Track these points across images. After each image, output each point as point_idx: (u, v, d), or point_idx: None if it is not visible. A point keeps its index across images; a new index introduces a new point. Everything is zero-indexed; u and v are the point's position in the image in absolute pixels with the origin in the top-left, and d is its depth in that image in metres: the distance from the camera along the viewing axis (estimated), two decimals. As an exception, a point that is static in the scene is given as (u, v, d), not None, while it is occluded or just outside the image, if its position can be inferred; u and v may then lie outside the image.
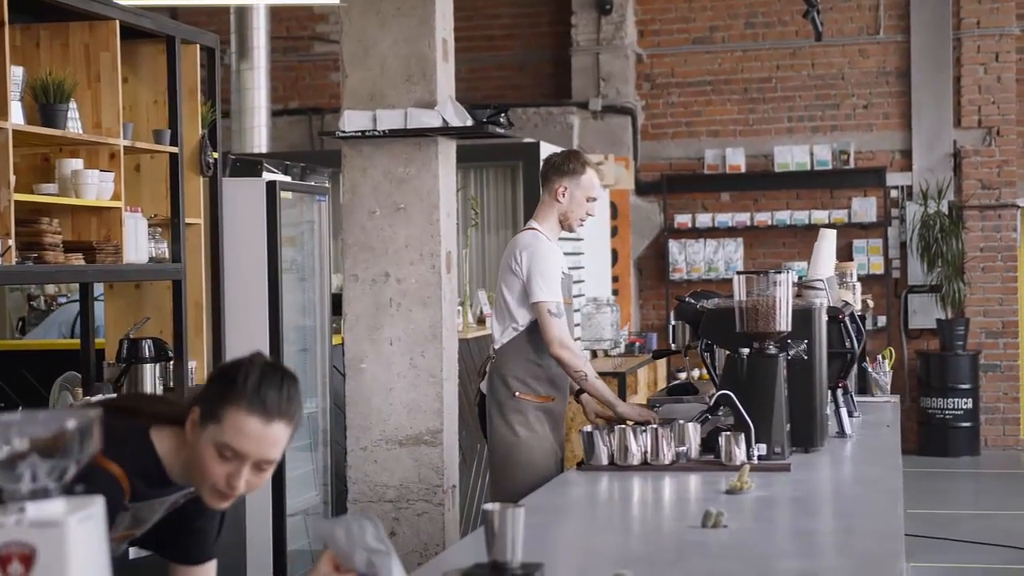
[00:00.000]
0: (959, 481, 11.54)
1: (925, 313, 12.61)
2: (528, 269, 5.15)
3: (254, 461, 2.56)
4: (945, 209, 12.38)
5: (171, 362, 5.57)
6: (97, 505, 1.81)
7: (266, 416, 2.55)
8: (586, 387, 5.18)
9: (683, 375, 12.29)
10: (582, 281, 10.49)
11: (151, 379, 5.41)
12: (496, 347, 5.32)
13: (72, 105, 4.94)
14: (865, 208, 12.66)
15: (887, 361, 6.48)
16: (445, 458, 5.86)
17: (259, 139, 10.70)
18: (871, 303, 9.62)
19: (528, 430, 5.20)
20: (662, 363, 11.41)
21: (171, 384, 5.59)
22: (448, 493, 5.89)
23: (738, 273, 4.51)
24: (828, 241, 5.61)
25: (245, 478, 2.57)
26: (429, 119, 5.86)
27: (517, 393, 5.22)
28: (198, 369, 5.86)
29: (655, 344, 11.52)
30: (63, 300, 8.93)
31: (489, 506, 2.78)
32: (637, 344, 11.18)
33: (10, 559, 1.73)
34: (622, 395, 9.14)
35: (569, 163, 5.34)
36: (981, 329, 12.59)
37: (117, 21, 5.20)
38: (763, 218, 12.80)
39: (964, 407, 12.26)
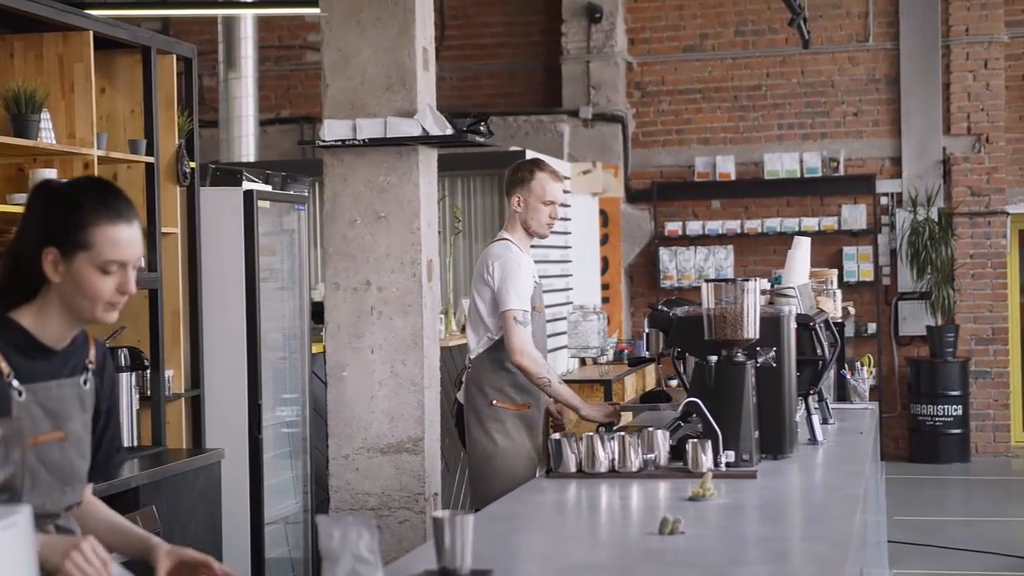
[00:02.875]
0: (949, 488, 11.55)
1: (915, 320, 12.62)
2: (500, 279, 5.26)
3: (133, 262, 2.73)
4: (935, 216, 12.39)
5: (147, 371, 5.58)
6: (23, 514, 1.84)
7: (127, 221, 2.72)
8: (550, 393, 5.25)
9: (674, 383, 12.29)
10: (570, 289, 10.51)
11: (127, 388, 5.42)
12: (471, 356, 5.42)
13: (45, 115, 4.96)
14: (855, 215, 12.67)
15: (865, 368, 6.49)
16: (427, 466, 5.88)
17: (247, 148, 10.72)
18: (852, 310, 9.63)
19: (506, 438, 5.26)
20: (651, 370, 11.43)
21: (148, 393, 5.61)
22: (430, 501, 5.90)
23: (706, 281, 4.53)
24: (802, 249, 5.63)
25: (131, 280, 2.73)
26: (409, 128, 5.88)
27: (494, 401, 5.31)
28: (175, 378, 5.87)
29: (643, 352, 11.52)
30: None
31: (438, 514, 2.81)
32: (626, 352, 11.19)
33: (-69, 567, 1.74)
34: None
35: (518, 172, 5.48)
36: (971, 336, 12.60)
37: (91, 32, 5.22)
38: (753, 225, 12.82)
39: (954, 414, 12.26)
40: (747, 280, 4.48)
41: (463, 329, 8.15)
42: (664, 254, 12.98)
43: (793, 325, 4.74)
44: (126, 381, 5.42)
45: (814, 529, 3.44)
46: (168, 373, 5.76)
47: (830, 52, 12.89)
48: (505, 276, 5.24)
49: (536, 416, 5.38)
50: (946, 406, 12.25)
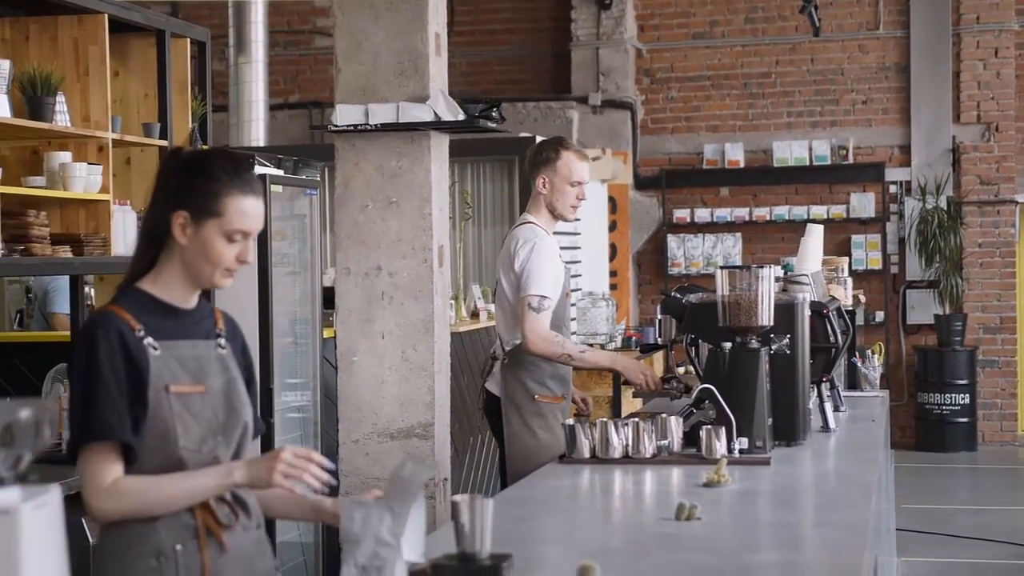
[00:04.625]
0: (955, 476, 11.56)
1: (923, 308, 12.62)
2: (524, 263, 5.12)
3: (255, 233, 2.86)
4: (943, 205, 12.39)
5: (160, 354, 5.58)
6: (52, 494, 1.84)
7: (255, 194, 2.86)
8: (577, 365, 5.14)
9: (681, 369, 12.29)
10: (579, 275, 10.51)
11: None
12: (507, 348, 5.24)
13: (60, 98, 4.96)
14: (864, 203, 12.67)
15: (876, 356, 6.49)
16: (436, 451, 5.88)
17: (256, 133, 10.71)
18: (863, 298, 9.64)
19: (548, 432, 5.15)
20: (659, 357, 11.43)
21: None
22: (439, 486, 5.91)
23: (721, 267, 4.52)
24: (815, 237, 5.63)
25: (251, 250, 2.87)
26: (421, 113, 5.88)
27: (537, 396, 5.17)
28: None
29: (651, 338, 11.53)
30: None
31: (457, 498, 2.81)
32: (634, 339, 11.19)
33: (-37, 546, 1.75)
34: (616, 389, 9.12)
35: (542, 152, 5.31)
36: (979, 325, 12.60)
37: (106, 15, 5.22)
38: (762, 213, 12.82)
39: (961, 402, 12.27)
40: (762, 267, 4.47)
41: (473, 315, 8.16)
42: (672, 241, 12.98)
43: (807, 312, 4.74)
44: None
45: (830, 516, 3.44)
46: (180, 356, 5.76)
47: (840, 40, 12.87)
48: (529, 261, 5.10)
49: (567, 406, 5.31)
50: (953, 395, 12.26)
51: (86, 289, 6.21)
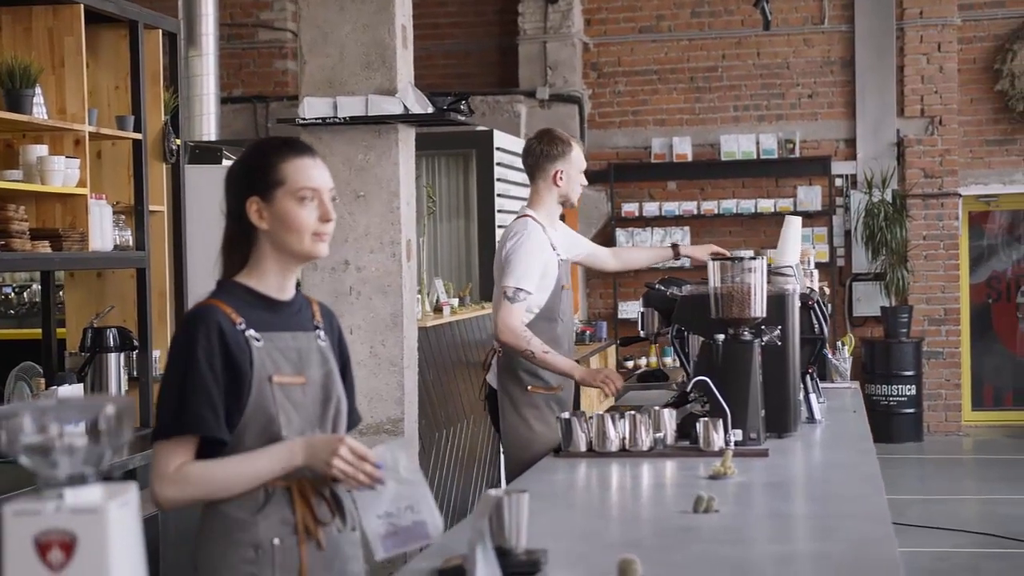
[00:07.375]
0: (903, 467, 11.67)
1: (869, 301, 12.74)
2: (508, 254, 5.10)
3: (326, 191, 2.88)
4: (889, 198, 12.51)
5: (135, 351, 5.50)
6: (132, 491, 1.79)
7: (307, 154, 2.91)
8: (538, 365, 5.12)
9: (630, 364, 12.33)
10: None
11: (115, 368, 5.34)
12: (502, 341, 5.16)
13: (38, 90, 4.86)
14: (810, 197, 12.76)
15: (847, 348, 6.53)
16: (406, 446, 5.84)
17: (208, 127, 10.57)
18: (827, 289, 9.71)
19: (543, 424, 5.12)
20: (612, 351, 11.47)
21: (135, 374, 5.53)
22: (410, 482, 5.87)
23: (713, 259, 4.52)
24: (794, 228, 5.65)
25: (330, 208, 2.87)
26: (390, 106, 5.84)
27: (529, 387, 5.17)
28: (162, 358, 5.79)
29: (605, 333, 11.57)
30: (8, 289, 8.82)
31: (494, 492, 2.78)
32: (587, 333, 11.22)
33: (50, 546, 1.70)
34: (576, 387, 9.09)
35: (557, 146, 5.32)
36: (924, 316, 12.74)
37: (82, 5, 5.11)
38: (710, 207, 12.87)
39: (908, 394, 12.40)
40: (754, 258, 4.48)
41: (437, 310, 8.11)
42: (621, 235, 13.00)
43: (797, 303, 4.76)
44: (115, 362, 5.34)
45: (848, 507, 3.44)
46: (155, 353, 5.68)
47: (786, 34, 12.95)
48: (513, 252, 5.09)
49: (568, 396, 5.29)
50: (900, 386, 12.39)
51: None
